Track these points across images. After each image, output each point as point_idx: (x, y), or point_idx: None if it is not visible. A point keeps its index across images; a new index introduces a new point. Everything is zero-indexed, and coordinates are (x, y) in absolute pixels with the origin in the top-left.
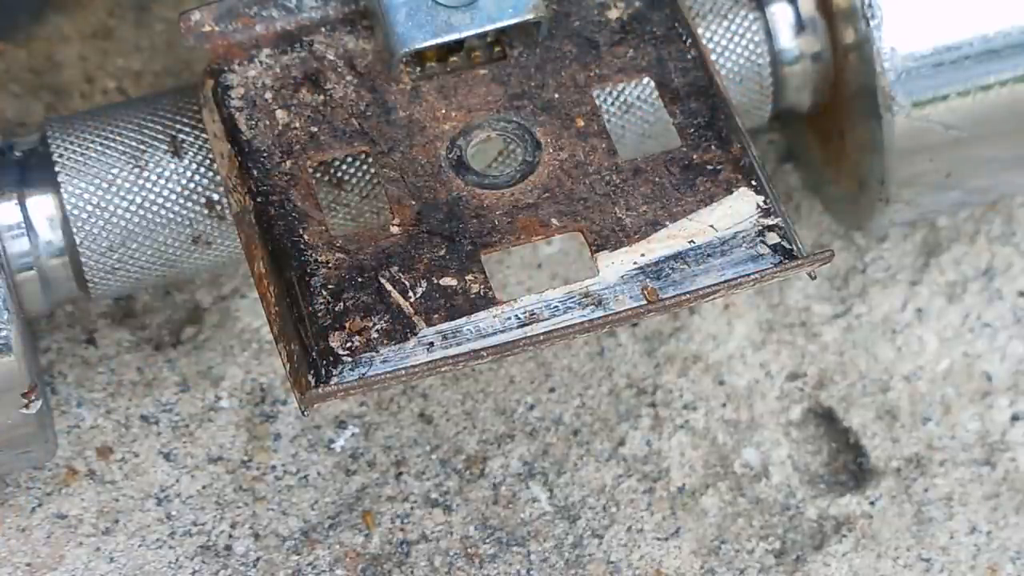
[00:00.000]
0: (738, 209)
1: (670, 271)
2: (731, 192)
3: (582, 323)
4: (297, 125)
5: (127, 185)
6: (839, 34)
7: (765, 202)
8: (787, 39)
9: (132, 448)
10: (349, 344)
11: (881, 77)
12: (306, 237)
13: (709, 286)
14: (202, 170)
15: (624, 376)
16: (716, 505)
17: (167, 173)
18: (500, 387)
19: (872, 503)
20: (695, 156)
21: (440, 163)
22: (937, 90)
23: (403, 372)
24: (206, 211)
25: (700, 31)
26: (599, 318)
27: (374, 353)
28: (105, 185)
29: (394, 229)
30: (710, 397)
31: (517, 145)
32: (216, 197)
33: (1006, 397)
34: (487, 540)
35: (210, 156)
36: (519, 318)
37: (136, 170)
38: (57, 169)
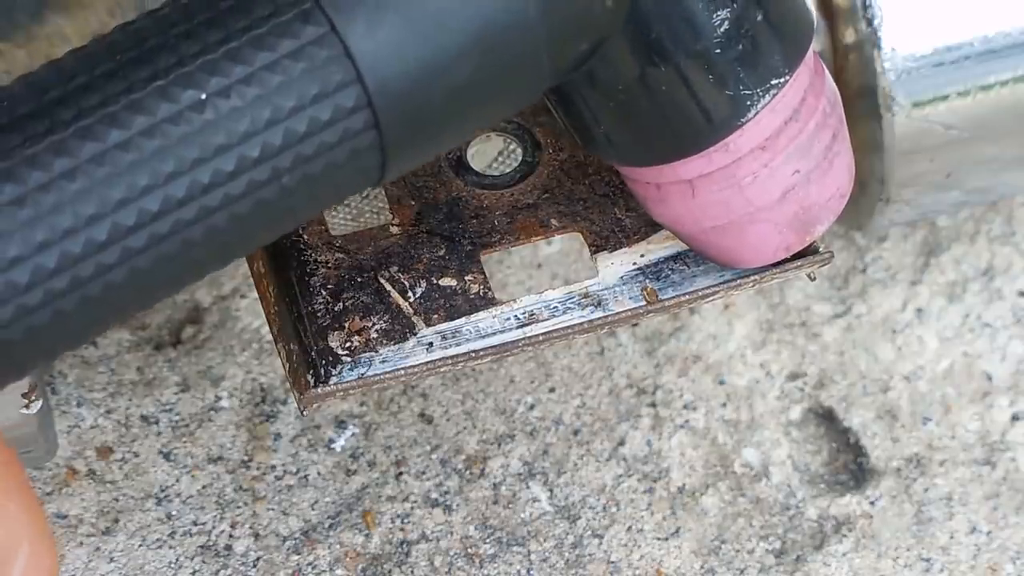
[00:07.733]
0: None
1: (670, 272)
2: None
3: (582, 323)
4: None
5: None
6: (839, 34)
7: None
8: None
9: (132, 448)
10: (348, 344)
11: (881, 77)
12: (306, 237)
13: (708, 287)
14: None
15: (624, 376)
16: (716, 505)
17: None
18: (500, 387)
19: (872, 503)
20: None
21: (440, 163)
22: (937, 90)
23: (402, 372)
24: None
25: None
26: (599, 318)
27: (373, 353)
28: None
29: (394, 229)
30: (710, 397)
31: (517, 145)
32: None
33: (1006, 397)
34: (487, 540)
35: None
36: (519, 318)
37: None
38: None
